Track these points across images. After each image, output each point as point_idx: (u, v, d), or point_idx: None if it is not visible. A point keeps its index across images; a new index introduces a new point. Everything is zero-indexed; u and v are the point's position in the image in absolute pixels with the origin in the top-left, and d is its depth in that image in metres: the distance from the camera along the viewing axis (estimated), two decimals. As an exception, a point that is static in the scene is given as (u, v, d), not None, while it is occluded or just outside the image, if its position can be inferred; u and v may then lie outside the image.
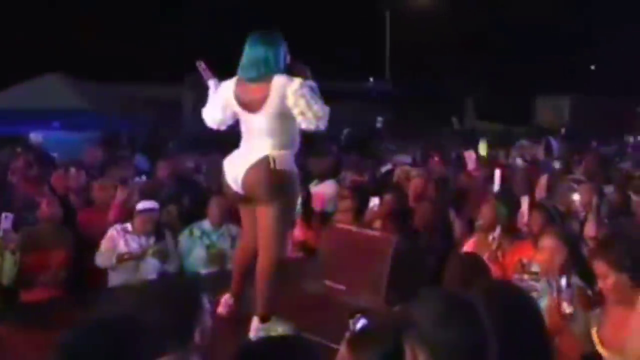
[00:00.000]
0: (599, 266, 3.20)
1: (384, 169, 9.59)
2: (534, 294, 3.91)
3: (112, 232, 5.73)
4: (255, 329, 4.20)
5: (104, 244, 5.69)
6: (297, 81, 4.08)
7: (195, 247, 6.05)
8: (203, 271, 5.89)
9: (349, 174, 8.57)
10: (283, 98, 4.07)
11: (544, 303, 3.77)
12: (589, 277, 3.81)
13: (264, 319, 4.21)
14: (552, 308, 3.59)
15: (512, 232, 5.10)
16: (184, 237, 6.09)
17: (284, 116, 4.13)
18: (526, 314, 2.43)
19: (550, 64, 26.51)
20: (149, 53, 24.67)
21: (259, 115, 4.16)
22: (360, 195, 6.69)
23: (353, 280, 5.02)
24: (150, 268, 5.62)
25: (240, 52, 4.27)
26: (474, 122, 26.86)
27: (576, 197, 5.44)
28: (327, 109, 4.14)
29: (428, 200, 6.38)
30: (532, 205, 5.07)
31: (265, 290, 4.23)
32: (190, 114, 22.86)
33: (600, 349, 2.27)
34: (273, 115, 4.13)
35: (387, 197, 6.17)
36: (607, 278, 3.14)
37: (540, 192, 7.09)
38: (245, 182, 4.19)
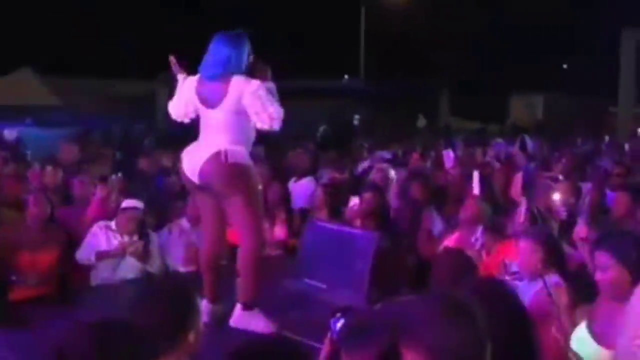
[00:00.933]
0: (602, 257, 3.18)
1: (362, 166, 9.62)
2: None
3: (96, 228, 5.69)
4: (237, 316, 4.34)
5: (87, 240, 5.65)
6: (254, 82, 4.29)
7: (174, 246, 6.02)
8: (182, 270, 5.86)
9: (327, 171, 8.59)
10: (240, 97, 4.28)
11: (527, 298, 3.83)
12: (569, 276, 3.87)
13: (246, 307, 4.34)
14: (533, 307, 3.64)
15: (495, 232, 5.13)
16: (162, 236, 6.06)
17: (240, 114, 4.32)
18: (512, 309, 2.46)
19: (524, 62, 26.71)
20: (121, 49, 24.46)
21: (216, 111, 4.36)
22: (337, 193, 6.72)
23: (334, 278, 5.04)
24: (129, 268, 5.58)
25: (209, 48, 4.46)
26: (448, 119, 27.03)
27: (557, 196, 5.49)
28: (281, 111, 4.32)
29: (410, 199, 6.40)
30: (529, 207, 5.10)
31: (248, 279, 4.36)
32: (164, 110, 22.78)
33: (593, 344, 2.29)
34: (229, 112, 4.32)
35: (366, 195, 6.18)
36: (608, 270, 3.16)
37: (515, 191, 7.15)
38: (201, 174, 4.34)
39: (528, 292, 3.89)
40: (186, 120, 4.64)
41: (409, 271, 5.45)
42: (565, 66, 31.73)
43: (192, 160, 4.39)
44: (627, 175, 8.01)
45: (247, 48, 4.42)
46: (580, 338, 2.41)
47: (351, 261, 5.03)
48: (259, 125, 4.31)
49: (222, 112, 4.32)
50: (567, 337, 2.64)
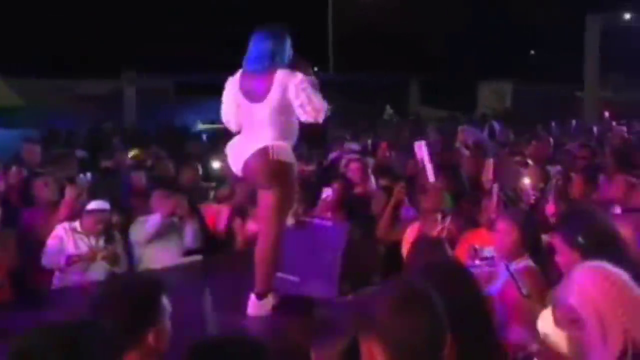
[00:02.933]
0: (555, 241, 3.27)
1: (330, 157, 9.63)
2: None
3: (60, 231, 5.61)
4: (254, 306, 4.50)
5: (51, 243, 5.57)
6: (299, 75, 4.35)
7: (147, 242, 6.00)
8: (155, 266, 5.83)
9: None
10: (285, 90, 4.32)
11: (499, 283, 3.86)
12: (543, 259, 3.90)
13: (261, 296, 4.50)
14: (507, 290, 3.66)
15: (463, 219, 5.16)
16: (135, 231, 6.03)
17: (285, 108, 4.37)
18: (468, 293, 2.49)
19: (492, 48, 26.89)
20: (84, 48, 24.17)
21: (261, 106, 4.39)
22: (304, 185, 6.73)
23: (306, 271, 5.04)
24: (99, 271, 5.52)
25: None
26: (418, 108, 27.14)
27: (527, 180, 5.56)
28: (325, 104, 4.38)
29: (381, 189, 6.43)
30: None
31: (263, 270, 4.53)
32: (131, 108, 22.59)
33: (555, 327, 2.32)
34: (274, 106, 4.36)
35: (335, 186, 6.21)
36: (561, 254, 3.20)
37: (486, 176, 7.21)
38: (245, 170, 4.47)
39: (502, 277, 3.92)
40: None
41: (381, 260, 5.46)
42: (532, 52, 31.99)
43: (238, 154, 4.49)
44: (591, 157, 8.14)
45: (288, 42, 4.49)
46: (546, 320, 2.44)
47: (322, 253, 5.07)
48: (303, 118, 4.37)
49: (268, 106, 4.36)
50: (534, 322, 2.66)
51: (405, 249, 5.13)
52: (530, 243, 4.03)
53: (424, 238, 4.65)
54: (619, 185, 5.74)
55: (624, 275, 2.30)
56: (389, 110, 24.64)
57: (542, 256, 3.98)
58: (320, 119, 4.38)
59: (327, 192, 6.19)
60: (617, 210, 5.48)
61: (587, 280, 2.29)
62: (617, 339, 2.16)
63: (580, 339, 2.23)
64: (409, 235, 5.24)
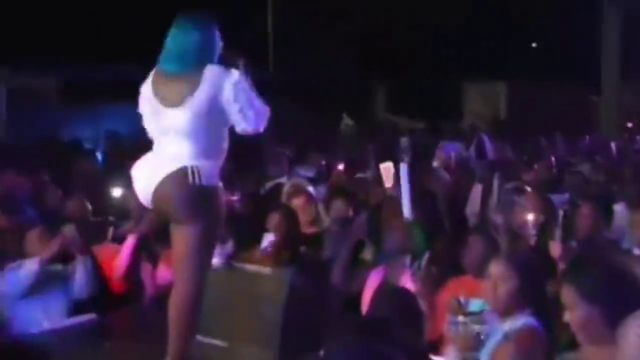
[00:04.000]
0: (567, 294, 3.31)
1: (269, 185, 9.66)
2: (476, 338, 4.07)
3: None
4: None
5: None
6: (235, 73, 4.40)
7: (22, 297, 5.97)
8: (32, 329, 5.80)
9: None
10: (218, 92, 4.34)
11: (490, 347, 3.93)
12: (548, 316, 3.98)
13: None
14: (503, 355, 3.74)
15: (439, 264, 5.25)
16: (5, 283, 6.00)
17: (212, 115, 4.40)
18: None
19: (481, 41, 27.22)
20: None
21: (178, 111, 4.40)
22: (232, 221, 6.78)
23: (236, 333, 5.06)
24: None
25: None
26: (385, 116, 27.28)
27: (530, 217, 5.70)
28: (267, 108, 4.47)
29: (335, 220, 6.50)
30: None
31: (179, 332, 4.51)
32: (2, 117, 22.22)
33: None
34: (197, 112, 4.37)
35: (274, 220, 6.25)
36: (575, 310, 3.25)
37: (474, 207, 7.35)
38: (156, 197, 4.46)
39: (494, 339, 4.00)
40: None
41: (335, 314, 5.51)
42: (534, 45, 32.47)
43: (145, 178, 4.49)
44: (608, 182, 8.29)
45: (217, 33, 4.56)
46: None
47: (258, 309, 5.08)
48: (242, 127, 4.42)
49: (188, 111, 4.36)
50: None
51: (365, 303, 5.20)
52: (532, 295, 4.07)
53: (385, 288, 4.71)
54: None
55: None
56: (346, 119, 24.74)
57: (547, 312, 4.05)
58: (262, 128, 4.46)
59: (268, 239, 6.15)
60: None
61: None
62: None
63: None
64: (372, 283, 5.31)
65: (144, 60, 4.80)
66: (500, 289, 4.08)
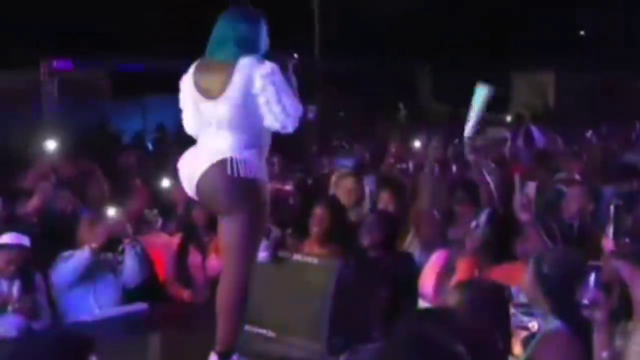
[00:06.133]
0: (626, 271, 3.40)
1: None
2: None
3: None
4: None
5: None
6: (268, 64, 4.35)
7: (73, 285, 6.04)
8: (84, 318, 5.86)
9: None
10: (249, 82, 4.32)
11: (532, 343, 3.89)
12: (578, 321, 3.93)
13: (224, 356, 4.52)
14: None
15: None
16: (57, 271, 6.06)
17: (248, 107, 4.37)
18: None
19: (528, 28, 26.95)
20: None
21: (218, 103, 4.40)
22: (281, 211, 6.82)
23: (284, 323, 5.09)
24: (11, 325, 5.52)
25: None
26: (431, 105, 27.12)
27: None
28: (300, 109, 4.40)
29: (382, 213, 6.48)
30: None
31: (227, 322, 4.55)
32: (53, 107, 22.46)
33: None
34: (235, 104, 4.36)
35: (318, 212, 6.25)
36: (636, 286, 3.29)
37: (528, 200, 7.26)
38: (200, 189, 4.49)
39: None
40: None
41: (382, 305, 5.50)
42: (582, 33, 32.09)
43: (190, 170, 4.52)
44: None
45: (264, 28, 4.55)
46: None
47: (306, 300, 5.10)
48: (268, 122, 4.38)
49: (227, 103, 4.37)
50: None
51: (426, 284, 5.21)
52: (561, 301, 3.96)
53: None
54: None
55: None
56: (402, 109, 24.69)
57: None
58: (290, 128, 4.41)
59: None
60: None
61: None
62: None
63: None
64: (433, 266, 5.32)
65: (191, 53, 4.80)
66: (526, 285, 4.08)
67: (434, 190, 6.08)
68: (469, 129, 5.94)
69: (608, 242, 4.57)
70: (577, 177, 8.15)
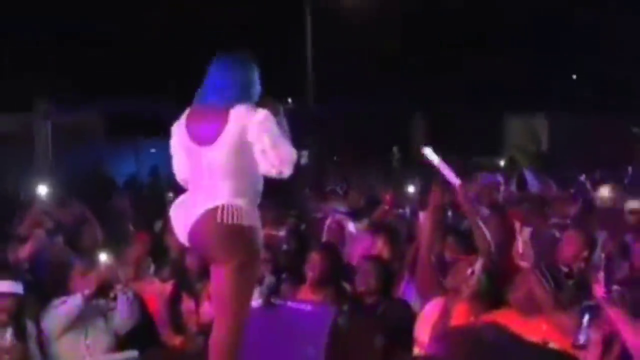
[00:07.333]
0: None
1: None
2: None
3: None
4: None
5: None
6: (261, 112, 4.39)
7: (65, 332, 6.00)
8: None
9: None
10: (243, 130, 4.35)
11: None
12: None
13: None
14: None
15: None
16: (48, 319, 6.01)
17: (242, 154, 4.40)
18: None
19: (521, 73, 27.06)
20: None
21: (212, 149, 4.41)
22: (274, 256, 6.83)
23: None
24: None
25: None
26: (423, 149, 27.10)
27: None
28: (294, 154, 4.42)
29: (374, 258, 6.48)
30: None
31: None
32: (44, 150, 22.47)
33: None
34: (229, 150, 4.38)
35: (314, 257, 6.24)
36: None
37: (524, 247, 7.27)
38: (192, 236, 4.49)
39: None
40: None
41: (377, 353, 5.48)
42: (574, 77, 32.24)
43: (182, 218, 4.52)
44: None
45: (256, 74, 4.59)
46: None
47: (300, 347, 5.07)
48: (264, 169, 4.40)
49: (221, 149, 4.39)
50: None
51: (422, 332, 5.20)
52: None
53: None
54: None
55: None
56: (396, 153, 24.75)
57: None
58: (286, 172, 4.42)
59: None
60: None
61: None
62: None
63: None
64: (429, 314, 5.30)
65: (183, 97, 4.82)
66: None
67: (431, 236, 6.06)
68: (453, 178, 5.94)
69: (599, 288, 4.59)
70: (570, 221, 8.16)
